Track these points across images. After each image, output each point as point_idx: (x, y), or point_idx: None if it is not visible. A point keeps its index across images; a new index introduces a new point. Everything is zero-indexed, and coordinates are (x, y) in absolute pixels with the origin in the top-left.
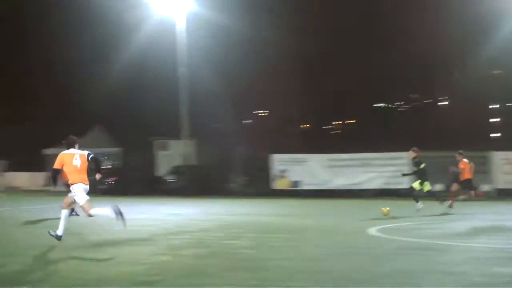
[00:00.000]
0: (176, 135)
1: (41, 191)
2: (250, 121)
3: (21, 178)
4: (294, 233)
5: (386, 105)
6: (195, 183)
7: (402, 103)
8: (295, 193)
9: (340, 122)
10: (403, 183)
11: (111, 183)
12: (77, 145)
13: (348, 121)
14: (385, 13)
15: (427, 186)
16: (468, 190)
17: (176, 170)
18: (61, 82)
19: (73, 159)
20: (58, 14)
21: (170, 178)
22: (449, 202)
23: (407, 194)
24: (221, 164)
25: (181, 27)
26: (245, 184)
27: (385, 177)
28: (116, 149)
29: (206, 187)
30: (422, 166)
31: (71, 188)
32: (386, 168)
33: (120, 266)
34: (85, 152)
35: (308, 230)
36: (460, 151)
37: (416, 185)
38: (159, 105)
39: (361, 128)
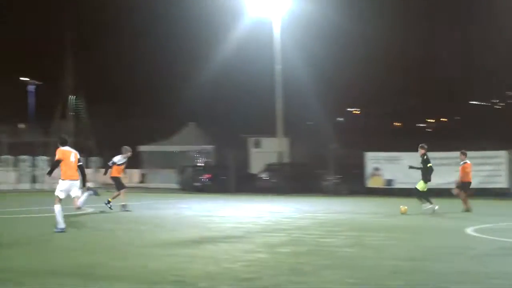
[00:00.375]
0: (269, 133)
1: (137, 187)
2: (342, 119)
3: None
4: (391, 232)
5: (481, 102)
6: (288, 181)
7: (497, 100)
8: (388, 191)
9: (433, 120)
10: (500, 183)
11: (205, 180)
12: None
13: (442, 119)
14: (482, 12)
15: (421, 185)
16: (464, 191)
17: (269, 168)
18: (157, 81)
19: (71, 156)
20: (156, 16)
21: (263, 176)
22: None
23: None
24: (314, 162)
25: (277, 25)
26: (338, 182)
27: (481, 176)
28: (210, 146)
29: (299, 185)
30: (429, 165)
31: (59, 181)
32: (482, 167)
33: (218, 263)
34: (77, 153)
35: (405, 229)
36: (463, 150)
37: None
38: (253, 103)
39: (455, 126)
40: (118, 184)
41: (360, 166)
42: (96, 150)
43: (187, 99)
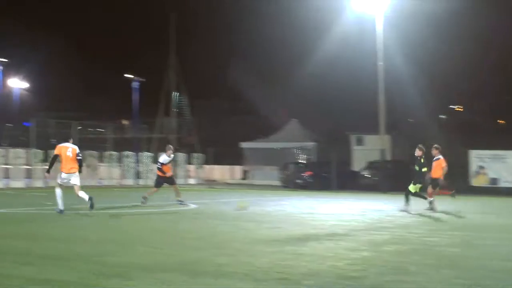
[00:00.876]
0: (371, 130)
1: (239, 184)
2: (445, 116)
3: (219, 171)
4: (496, 232)
5: None
6: (390, 179)
7: None
8: (493, 190)
9: None
10: None
11: (307, 177)
12: (71, 140)
13: None
14: None
15: (414, 188)
16: (434, 188)
17: (371, 165)
18: (259, 77)
19: (67, 151)
20: (258, 12)
21: (365, 173)
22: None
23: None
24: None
25: (379, 21)
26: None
27: None
28: (312, 143)
29: (402, 183)
30: (424, 169)
31: (59, 174)
32: None
33: (322, 261)
34: (76, 148)
35: (510, 228)
36: (436, 145)
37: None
38: (356, 99)
39: None
40: (157, 182)
41: (463, 164)
42: (199, 146)
43: (289, 96)
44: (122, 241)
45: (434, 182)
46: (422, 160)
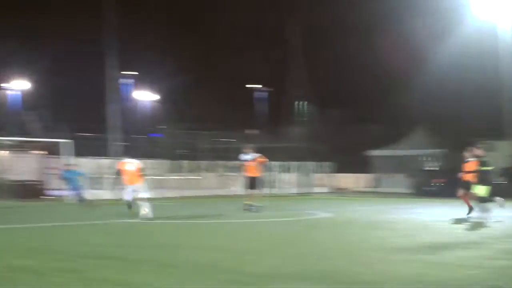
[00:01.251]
0: (503, 135)
1: (367, 192)
2: None
3: (348, 180)
4: None
5: None
6: None
7: None
8: None
9: None
10: None
11: (439, 184)
12: (131, 156)
13: None
14: None
15: (482, 191)
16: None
17: (503, 172)
18: (384, 84)
19: (126, 165)
20: (381, 16)
21: (500, 180)
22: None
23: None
24: None
25: (503, 25)
26: None
27: None
28: (440, 150)
29: None
30: (484, 168)
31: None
32: None
33: (456, 269)
34: (138, 161)
35: None
36: (471, 147)
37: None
38: (482, 104)
39: None
40: (250, 184)
41: None
42: (327, 155)
43: (416, 102)
44: (255, 250)
45: (463, 185)
46: (484, 160)
